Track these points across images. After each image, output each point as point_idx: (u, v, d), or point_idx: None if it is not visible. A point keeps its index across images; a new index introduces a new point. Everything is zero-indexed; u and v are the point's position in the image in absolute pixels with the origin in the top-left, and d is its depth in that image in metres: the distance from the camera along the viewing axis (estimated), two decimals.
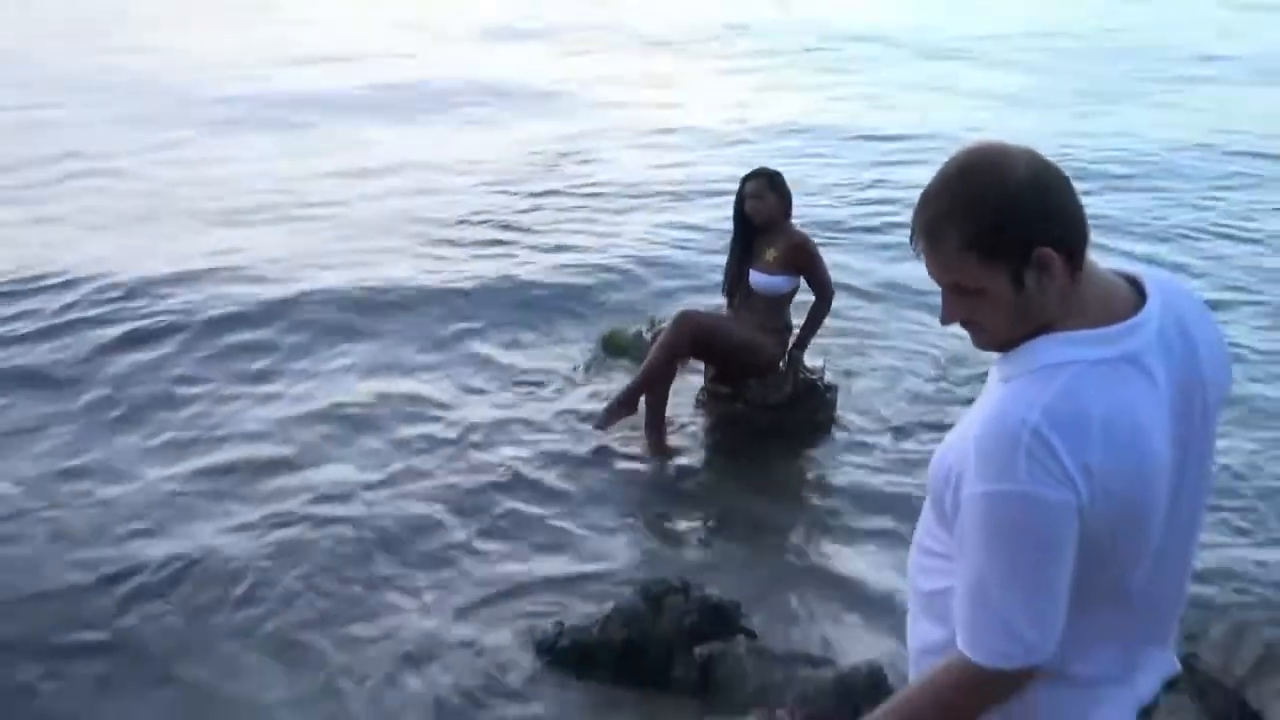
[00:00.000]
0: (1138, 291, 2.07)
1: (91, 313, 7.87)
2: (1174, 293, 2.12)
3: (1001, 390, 2.04)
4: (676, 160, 12.23)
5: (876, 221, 10.29)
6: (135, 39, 20.29)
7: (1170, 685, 2.40)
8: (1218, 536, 5.27)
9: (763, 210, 6.32)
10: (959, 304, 2.06)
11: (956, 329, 2.10)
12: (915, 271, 7.88)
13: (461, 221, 10.28)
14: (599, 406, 6.50)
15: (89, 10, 23.30)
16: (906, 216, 2.08)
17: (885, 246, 9.46)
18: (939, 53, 19.56)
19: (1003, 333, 2.06)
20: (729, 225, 6.71)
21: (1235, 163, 12.44)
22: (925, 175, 2.07)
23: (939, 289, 2.08)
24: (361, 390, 7.01)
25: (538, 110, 15.00)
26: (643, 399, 6.32)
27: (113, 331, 7.57)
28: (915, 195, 2.05)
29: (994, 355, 2.11)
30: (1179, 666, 2.37)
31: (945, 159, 2.03)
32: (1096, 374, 1.97)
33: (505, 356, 7.46)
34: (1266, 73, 17.20)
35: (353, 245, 9.58)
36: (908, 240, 2.08)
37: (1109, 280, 2.08)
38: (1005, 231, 1.95)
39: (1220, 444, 4.44)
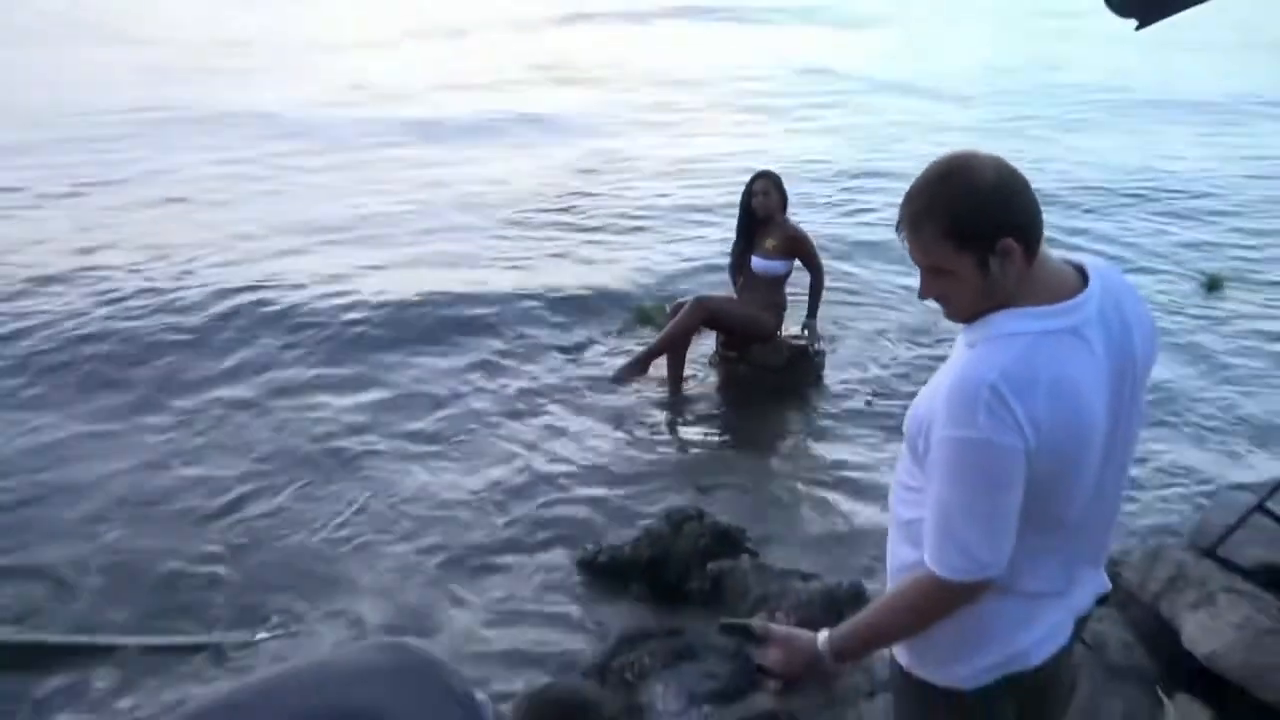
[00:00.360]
0: (1082, 277, 2.12)
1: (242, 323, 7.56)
2: (1112, 279, 2.17)
3: (967, 354, 2.08)
4: (689, 183, 11.70)
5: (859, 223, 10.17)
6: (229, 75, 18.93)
7: (1101, 600, 2.45)
8: (1145, 487, 5.42)
9: (767, 205, 6.52)
10: (934, 283, 2.11)
11: (926, 303, 2.22)
12: (891, 263, 8.17)
13: (517, 227, 10.06)
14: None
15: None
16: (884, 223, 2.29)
17: (865, 243, 9.39)
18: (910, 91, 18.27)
19: (969, 307, 2.11)
20: (727, 234, 6.93)
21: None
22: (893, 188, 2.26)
23: (917, 271, 2.14)
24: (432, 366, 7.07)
25: (576, 137, 14.36)
26: (664, 363, 6.56)
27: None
28: (885, 207, 2.25)
29: (959, 326, 2.16)
30: (1109, 584, 2.45)
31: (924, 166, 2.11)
32: (1045, 343, 2.03)
33: (552, 336, 7.50)
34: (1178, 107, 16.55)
35: (427, 250, 9.39)
36: (894, 229, 2.14)
37: (1059, 267, 2.13)
38: (975, 225, 2.01)
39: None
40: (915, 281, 2.21)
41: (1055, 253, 2.16)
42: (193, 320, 7.47)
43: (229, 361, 6.94)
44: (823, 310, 6.90)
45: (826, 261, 6.97)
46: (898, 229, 2.14)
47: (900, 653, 2.36)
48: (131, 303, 7.69)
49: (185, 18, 27.67)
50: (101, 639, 4.40)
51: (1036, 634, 2.26)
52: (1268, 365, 6.97)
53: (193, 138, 13.28)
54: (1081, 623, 2.40)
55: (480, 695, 2.06)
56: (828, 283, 6.90)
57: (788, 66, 19.76)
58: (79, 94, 16.22)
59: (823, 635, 2.28)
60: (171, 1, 31.33)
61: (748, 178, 6.69)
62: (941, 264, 2.08)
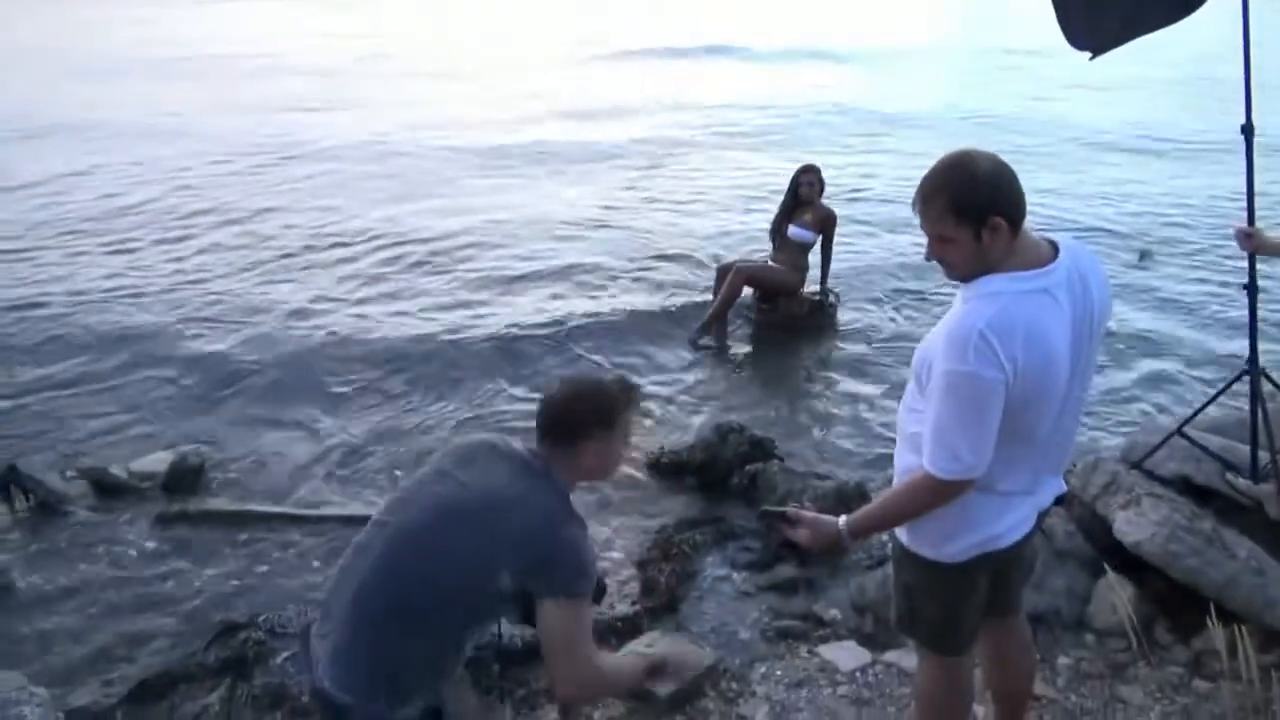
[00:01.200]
0: (1054, 249, 2.13)
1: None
2: (1078, 251, 2.18)
3: (962, 307, 2.10)
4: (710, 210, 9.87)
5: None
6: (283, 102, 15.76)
7: (1059, 499, 2.46)
8: (1088, 414, 5.32)
9: (810, 192, 6.48)
10: (938, 247, 2.12)
11: (916, 271, 2.26)
12: (895, 244, 7.94)
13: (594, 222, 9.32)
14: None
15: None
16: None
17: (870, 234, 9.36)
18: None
19: (963, 269, 2.12)
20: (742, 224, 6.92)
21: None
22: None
23: (924, 243, 2.16)
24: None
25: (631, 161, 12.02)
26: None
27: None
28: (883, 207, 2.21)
29: (948, 287, 2.22)
30: (1065, 487, 2.47)
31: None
32: (1023, 300, 2.04)
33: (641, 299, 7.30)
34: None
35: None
36: (910, 205, 2.15)
37: (1036, 241, 2.13)
38: (972, 204, 2.03)
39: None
40: (905, 257, 2.20)
41: (1036, 232, 2.16)
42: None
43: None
44: (835, 274, 6.82)
45: (845, 237, 6.85)
46: (913, 205, 2.14)
47: (901, 534, 2.37)
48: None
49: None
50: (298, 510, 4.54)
51: (1008, 523, 2.27)
52: (1187, 320, 6.77)
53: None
54: (1042, 515, 2.40)
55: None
56: (844, 254, 6.80)
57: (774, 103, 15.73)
58: None
59: (843, 519, 2.32)
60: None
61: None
62: (944, 233, 2.09)
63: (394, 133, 12.83)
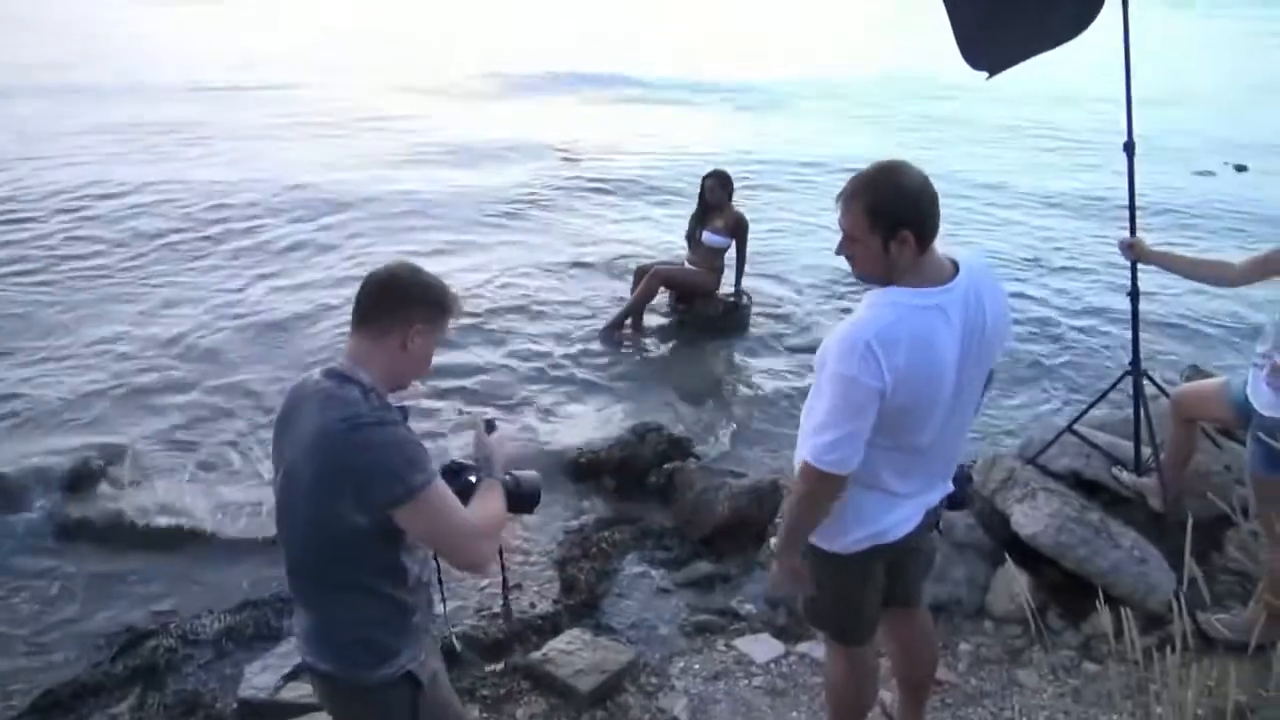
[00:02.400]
0: (955, 268, 2.20)
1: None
2: (978, 271, 2.25)
3: (860, 313, 2.17)
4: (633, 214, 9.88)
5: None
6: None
7: (951, 502, 2.59)
8: (987, 414, 5.50)
9: (716, 196, 6.55)
10: (848, 245, 2.19)
11: (825, 274, 2.34)
12: (809, 244, 8.08)
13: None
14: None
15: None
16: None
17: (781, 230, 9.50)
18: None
19: (867, 270, 2.19)
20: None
21: None
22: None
23: (836, 244, 2.23)
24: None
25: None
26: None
27: None
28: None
29: (854, 290, 2.31)
30: (952, 488, 2.55)
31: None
32: (915, 314, 2.12)
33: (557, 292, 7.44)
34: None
35: None
36: (834, 199, 2.20)
37: (940, 259, 2.20)
38: (887, 214, 2.10)
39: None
40: (816, 260, 2.29)
41: (944, 249, 2.24)
42: None
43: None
44: (747, 276, 6.91)
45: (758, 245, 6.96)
46: (836, 199, 2.20)
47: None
48: None
49: None
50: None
51: (894, 519, 2.37)
52: (1078, 325, 7.05)
53: None
54: (931, 514, 2.49)
55: None
56: (758, 260, 6.93)
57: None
58: None
59: (771, 541, 2.42)
60: None
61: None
62: (856, 234, 2.16)
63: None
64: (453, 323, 2.03)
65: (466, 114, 14.51)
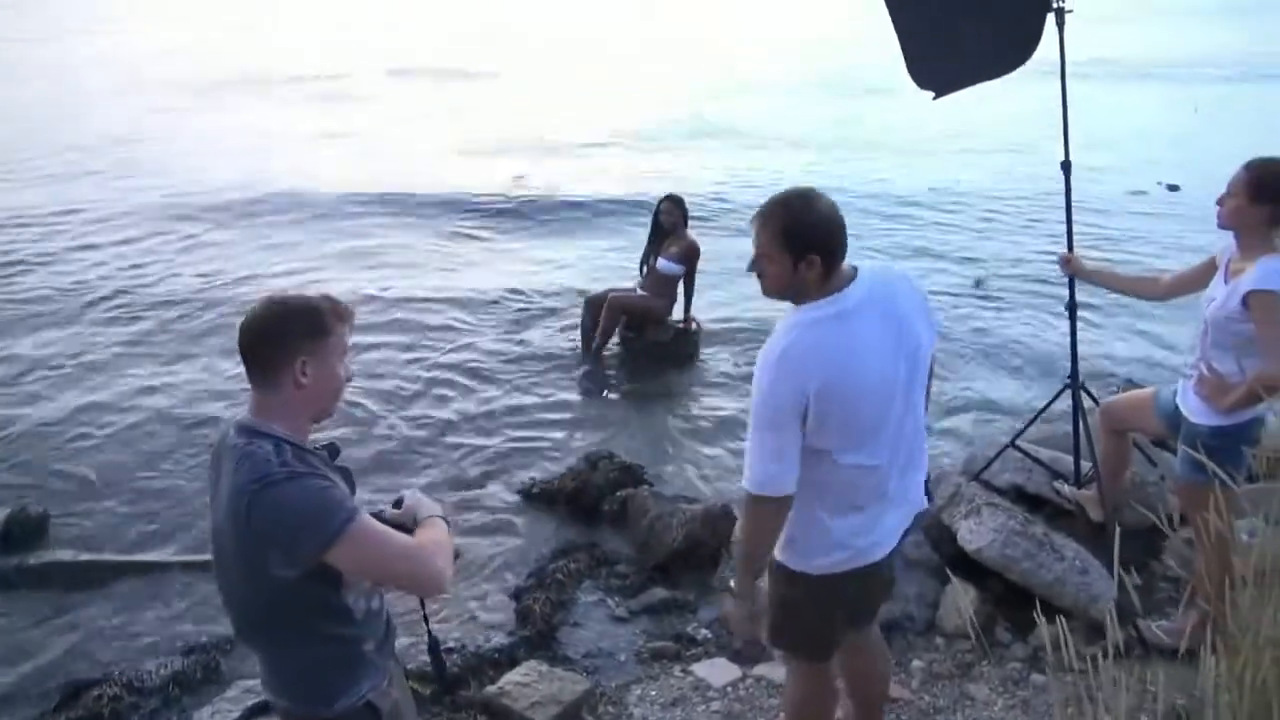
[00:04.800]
0: (855, 274, 2.30)
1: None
2: (879, 272, 2.34)
3: (771, 338, 2.28)
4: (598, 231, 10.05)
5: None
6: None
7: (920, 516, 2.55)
8: (931, 432, 5.58)
9: (671, 220, 6.60)
10: (760, 263, 2.30)
11: (769, 301, 2.40)
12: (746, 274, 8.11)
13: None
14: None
15: None
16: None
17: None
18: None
19: (775, 287, 2.31)
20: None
21: None
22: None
23: (752, 263, 2.32)
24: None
25: None
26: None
27: None
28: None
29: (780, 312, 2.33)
30: (926, 504, 2.58)
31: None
32: (816, 326, 2.23)
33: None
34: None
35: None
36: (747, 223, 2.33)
37: (843, 270, 2.29)
38: (797, 239, 2.22)
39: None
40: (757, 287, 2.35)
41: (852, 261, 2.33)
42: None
43: None
44: (696, 302, 6.96)
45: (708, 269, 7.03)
46: (751, 220, 2.32)
47: (779, 554, 2.48)
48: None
49: None
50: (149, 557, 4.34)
51: (872, 539, 2.42)
52: (1018, 340, 7.18)
53: None
54: (906, 532, 2.55)
55: None
56: (704, 284, 6.98)
57: None
58: None
59: (731, 582, 2.50)
60: None
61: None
62: (768, 253, 2.28)
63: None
64: (347, 330, 1.95)
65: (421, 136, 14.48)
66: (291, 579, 1.81)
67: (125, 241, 8.91)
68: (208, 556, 1.98)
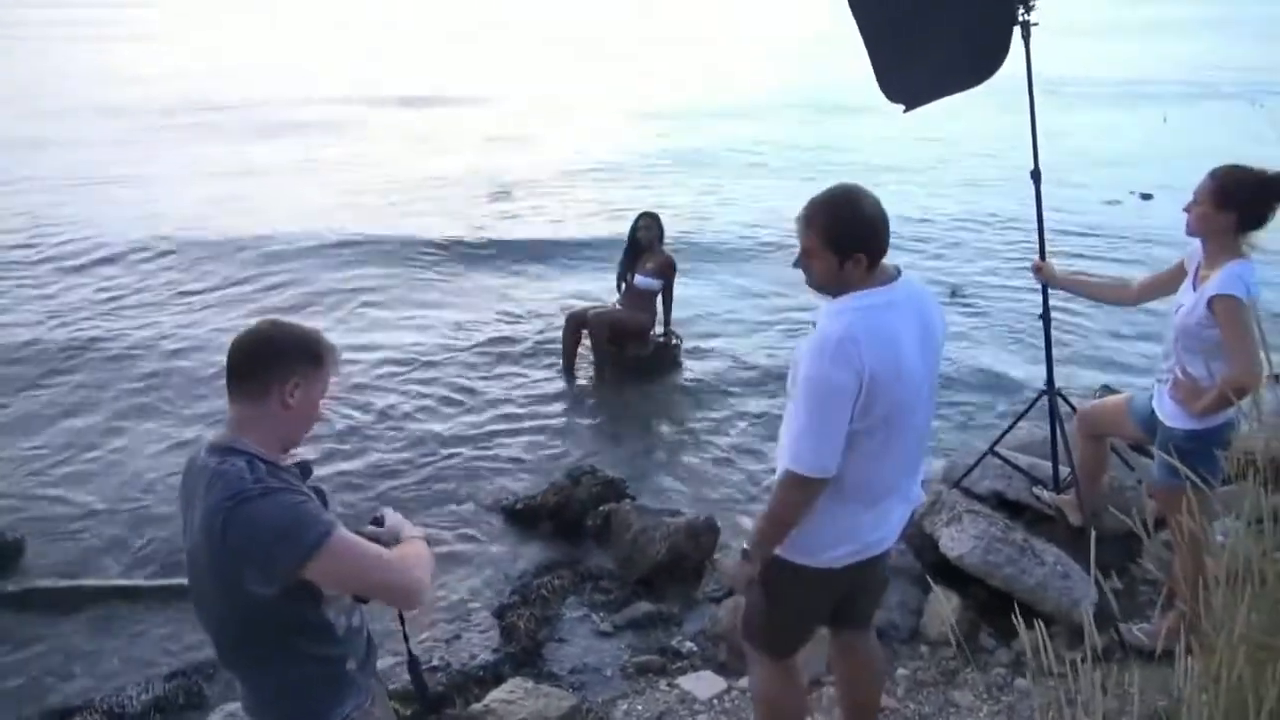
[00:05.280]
0: (898, 271, 2.38)
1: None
2: (914, 280, 2.43)
3: (824, 321, 2.31)
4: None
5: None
6: None
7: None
8: None
9: (648, 236, 6.64)
10: (805, 259, 2.35)
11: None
12: (733, 285, 8.22)
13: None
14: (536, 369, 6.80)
15: None
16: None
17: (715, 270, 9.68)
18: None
19: (820, 282, 2.36)
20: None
21: None
22: None
23: (797, 260, 2.38)
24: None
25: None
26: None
27: None
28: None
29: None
30: (923, 496, 2.65)
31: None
32: (873, 312, 2.28)
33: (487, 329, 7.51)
34: None
35: None
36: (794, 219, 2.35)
37: (886, 267, 2.36)
38: (843, 237, 2.27)
39: None
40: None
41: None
42: None
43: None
44: (677, 316, 6.99)
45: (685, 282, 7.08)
46: (797, 218, 2.35)
47: (778, 548, 2.48)
48: None
49: None
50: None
51: (877, 534, 2.47)
52: (995, 348, 7.25)
53: None
54: (905, 526, 2.59)
55: None
56: (685, 297, 7.04)
57: None
58: None
59: (743, 543, 2.50)
60: None
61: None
62: (813, 251, 2.32)
63: None
64: (333, 370, 1.98)
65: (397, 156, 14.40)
66: (269, 596, 1.80)
67: (101, 276, 8.78)
68: (186, 580, 1.97)
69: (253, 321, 1.99)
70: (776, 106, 18.80)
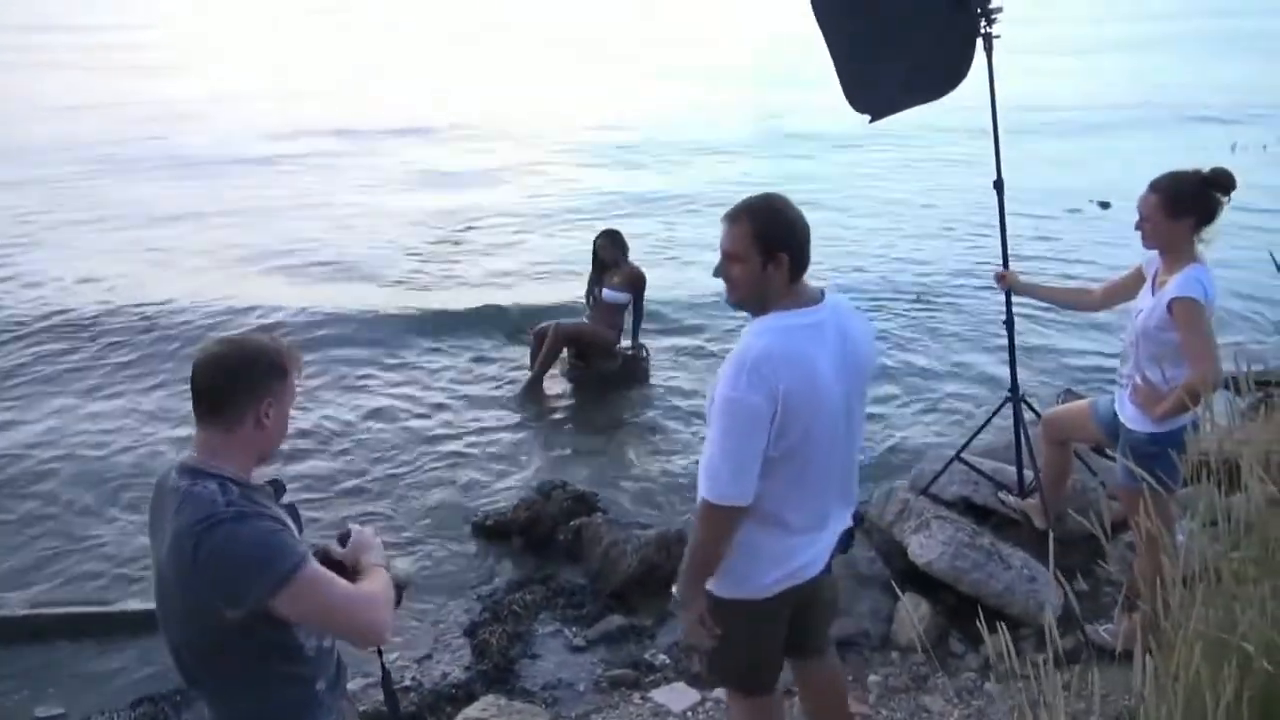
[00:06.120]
0: (822, 295, 2.36)
1: None
2: (840, 301, 2.42)
3: (741, 342, 2.30)
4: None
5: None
6: None
7: (847, 535, 2.56)
8: (879, 448, 5.72)
9: (609, 254, 6.67)
10: (728, 265, 2.31)
11: (720, 329, 2.43)
12: (705, 296, 8.14)
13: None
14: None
15: None
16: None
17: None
18: None
19: (743, 291, 2.32)
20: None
21: None
22: None
23: (718, 267, 2.35)
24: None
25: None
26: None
27: None
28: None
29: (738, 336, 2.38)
30: (852, 522, 2.59)
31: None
32: (789, 334, 2.25)
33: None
34: None
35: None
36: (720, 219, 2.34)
37: (810, 288, 2.35)
38: (768, 234, 2.26)
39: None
40: (714, 312, 2.37)
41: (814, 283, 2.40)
42: None
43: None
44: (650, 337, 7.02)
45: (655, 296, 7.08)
46: (723, 219, 2.34)
47: (709, 582, 2.45)
48: None
49: None
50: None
51: (804, 558, 2.42)
52: (960, 355, 7.29)
53: None
54: (834, 551, 2.54)
55: None
56: (655, 312, 7.06)
57: None
58: None
59: (673, 589, 2.47)
60: None
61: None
62: (738, 251, 2.29)
63: None
64: (298, 375, 1.97)
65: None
66: (238, 620, 1.79)
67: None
68: (153, 606, 1.95)
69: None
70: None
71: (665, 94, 20.52)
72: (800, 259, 2.29)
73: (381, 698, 2.18)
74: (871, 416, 5.95)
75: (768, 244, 2.25)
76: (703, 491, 2.27)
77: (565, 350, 6.83)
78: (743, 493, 2.24)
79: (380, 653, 2.15)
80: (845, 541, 2.61)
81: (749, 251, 2.27)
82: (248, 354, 1.90)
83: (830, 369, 2.27)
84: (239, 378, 1.87)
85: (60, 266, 9.08)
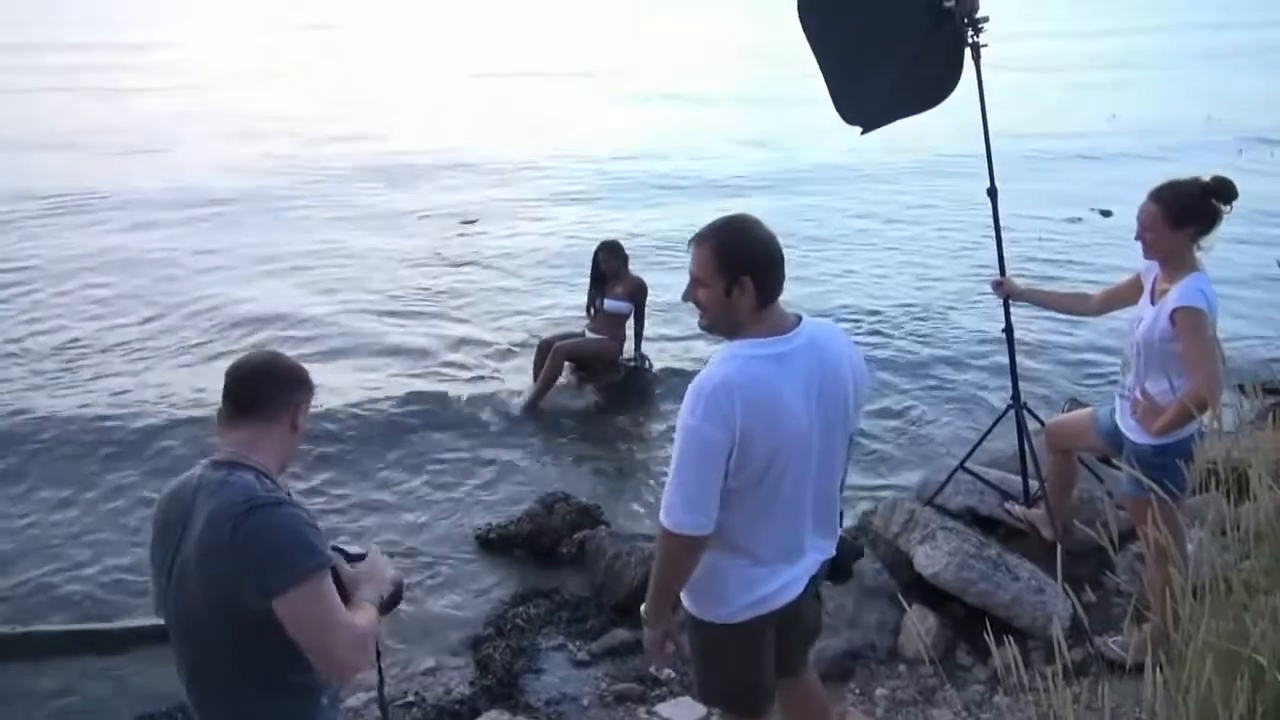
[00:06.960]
0: (798, 321, 2.28)
1: None
2: (822, 326, 2.34)
3: (706, 368, 2.24)
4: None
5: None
6: None
7: (832, 569, 2.54)
8: (884, 460, 5.74)
9: (610, 265, 6.66)
10: (694, 290, 2.27)
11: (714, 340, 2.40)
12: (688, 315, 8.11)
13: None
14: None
15: None
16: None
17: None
18: None
19: (710, 316, 2.27)
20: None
21: None
22: None
23: (686, 292, 2.30)
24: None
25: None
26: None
27: None
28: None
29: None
30: (834, 552, 2.50)
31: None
32: (752, 363, 2.18)
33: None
34: None
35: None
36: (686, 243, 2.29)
37: (785, 314, 2.28)
38: (733, 258, 2.19)
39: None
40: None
41: (792, 308, 2.34)
42: None
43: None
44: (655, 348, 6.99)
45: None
46: (689, 243, 2.29)
47: (686, 601, 2.44)
48: None
49: None
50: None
51: (775, 586, 2.35)
52: (961, 364, 7.23)
53: None
54: (814, 579, 2.48)
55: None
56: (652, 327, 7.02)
57: None
58: None
59: (642, 608, 2.42)
60: None
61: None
62: (702, 276, 2.24)
63: None
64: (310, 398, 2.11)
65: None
66: (263, 612, 1.80)
67: None
68: (149, 622, 1.95)
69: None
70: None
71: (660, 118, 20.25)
72: (768, 283, 2.22)
73: (379, 714, 2.16)
74: (871, 427, 5.96)
75: (732, 267, 2.19)
76: (660, 517, 2.23)
77: (569, 365, 6.80)
78: (696, 523, 2.18)
79: (380, 669, 2.14)
80: (835, 572, 2.59)
81: (713, 275, 2.21)
82: (285, 362, 2.09)
83: (798, 400, 2.20)
84: (280, 380, 2.03)
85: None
